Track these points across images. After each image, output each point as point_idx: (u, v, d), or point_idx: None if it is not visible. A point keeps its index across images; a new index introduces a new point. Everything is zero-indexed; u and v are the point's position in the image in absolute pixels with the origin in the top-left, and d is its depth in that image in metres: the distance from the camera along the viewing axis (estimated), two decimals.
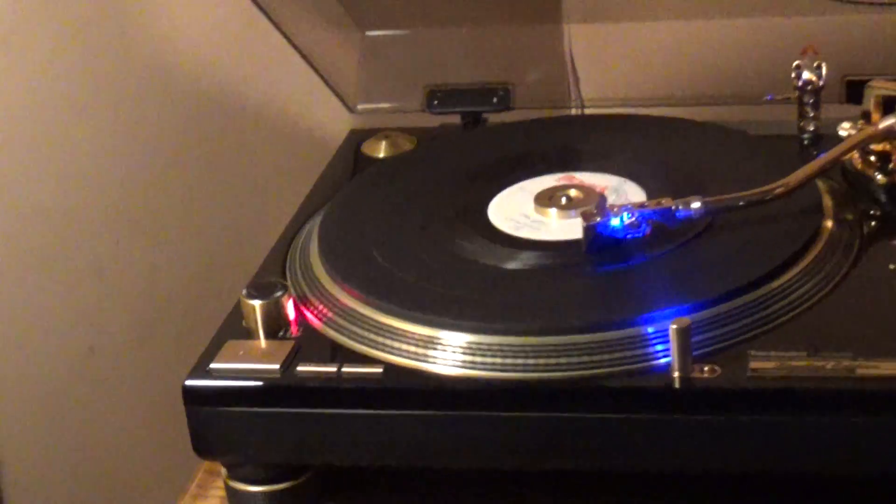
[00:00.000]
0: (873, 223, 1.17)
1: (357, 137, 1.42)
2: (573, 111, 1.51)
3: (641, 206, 1.12)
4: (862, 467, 0.98)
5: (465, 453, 1.03)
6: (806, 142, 1.33)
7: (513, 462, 1.04)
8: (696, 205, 1.11)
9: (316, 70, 1.40)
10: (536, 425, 1.01)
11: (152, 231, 1.49)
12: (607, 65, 1.51)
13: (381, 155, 1.38)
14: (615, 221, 1.11)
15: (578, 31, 1.48)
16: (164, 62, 1.47)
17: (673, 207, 1.11)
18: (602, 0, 1.47)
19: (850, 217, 1.16)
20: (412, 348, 1.05)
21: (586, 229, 1.11)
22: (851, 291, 1.07)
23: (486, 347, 1.03)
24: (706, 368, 1.00)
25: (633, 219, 1.11)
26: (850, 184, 1.22)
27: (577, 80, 1.51)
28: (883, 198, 1.20)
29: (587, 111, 1.50)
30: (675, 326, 0.99)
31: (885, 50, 1.34)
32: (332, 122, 1.46)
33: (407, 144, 1.39)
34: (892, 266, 1.09)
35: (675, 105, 1.46)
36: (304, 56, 1.39)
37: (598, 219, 1.11)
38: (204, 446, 1.08)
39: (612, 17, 1.47)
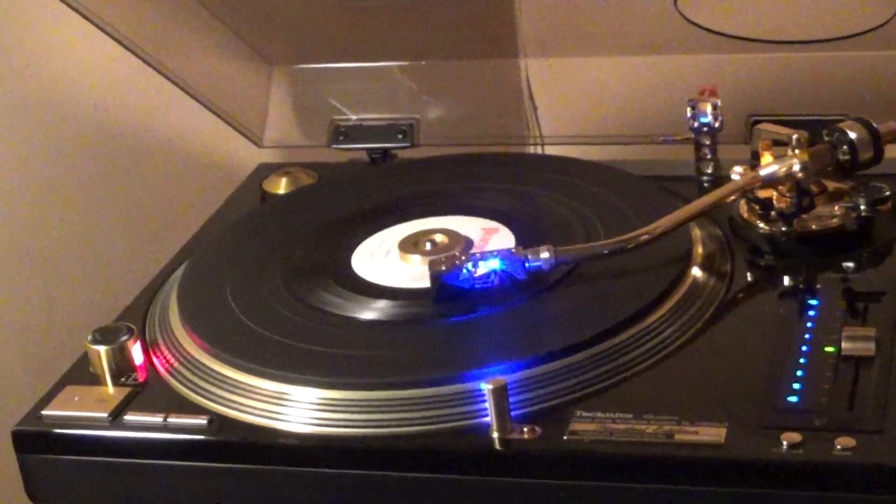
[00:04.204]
0: (749, 276, 1.12)
1: (266, 171, 1.40)
2: (531, 149, 1.47)
3: (491, 255, 1.08)
4: None
5: None
6: (705, 185, 1.28)
7: None
8: (545, 255, 1.07)
9: (214, 110, 1.37)
10: (354, 483, 0.99)
11: (52, 267, 1.48)
12: (564, 100, 1.46)
13: (282, 191, 1.35)
14: (464, 271, 1.08)
15: (534, 65, 1.44)
16: (62, 98, 1.46)
17: (522, 258, 1.07)
18: (558, 35, 1.43)
19: (723, 269, 1.12)
20: (240, 399, 1.03)
21: (432, 279, 1.08)
22: (700, 350, 1.03)
23: (312, 403, 1.01)
24: (526, 429, 0.96)
25: (477, 269, 1.08)
26: (736, 234, 1.17)
27: (535, 112, 1.47)
28: (765, 248, 1.15)
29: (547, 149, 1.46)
30: (490, 386, 0.95)
31: (792, 89, 1.28)
32: (244, 156, 1.44)
33: (308, 181, 1.35)
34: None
35: (627, 143, 1.42)
36: (198, 99, 1.36)
37: (444, 268, 1.08)
38: (36, 492, 1.06)
39: (569, 52, 1.43)
